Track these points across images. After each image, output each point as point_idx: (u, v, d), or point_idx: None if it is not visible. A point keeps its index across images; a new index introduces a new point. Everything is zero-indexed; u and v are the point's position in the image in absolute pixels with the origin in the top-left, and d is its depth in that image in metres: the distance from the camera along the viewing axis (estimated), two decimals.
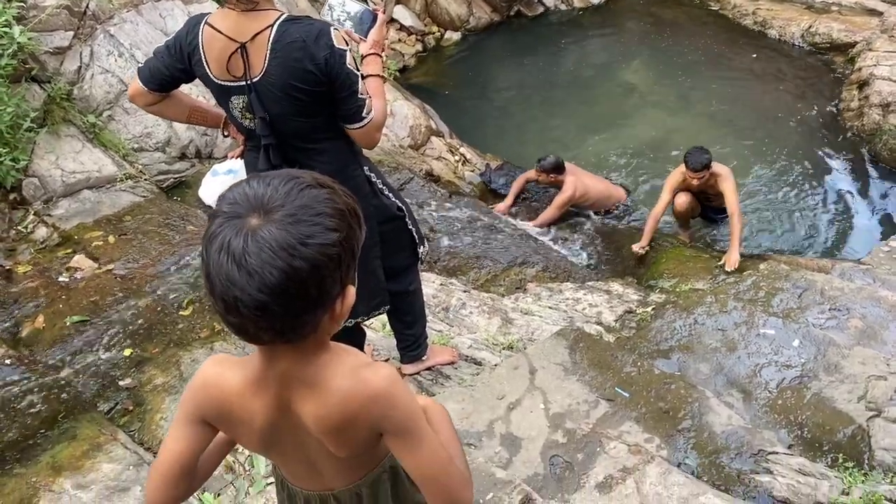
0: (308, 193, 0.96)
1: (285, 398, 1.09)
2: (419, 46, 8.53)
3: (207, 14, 2.05)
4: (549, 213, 5.61)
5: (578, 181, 5.64)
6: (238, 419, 1.12)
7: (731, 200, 4.72)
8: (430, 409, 1.26)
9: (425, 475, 1.13)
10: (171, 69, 2.11)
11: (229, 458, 1.67)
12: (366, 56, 2.23)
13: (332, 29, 1.97)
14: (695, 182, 4.85)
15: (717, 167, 4.81)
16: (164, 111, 2.29)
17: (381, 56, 2.27)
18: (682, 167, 4.87)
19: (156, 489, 1.17)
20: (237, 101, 2.06)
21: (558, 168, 5.61)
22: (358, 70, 2.01)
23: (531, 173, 5.87)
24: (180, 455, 1.15)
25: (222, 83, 2.04)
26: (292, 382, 1.08)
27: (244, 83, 2.00)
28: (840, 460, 2.58)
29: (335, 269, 0.96)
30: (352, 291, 1.03)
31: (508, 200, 5.90)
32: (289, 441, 1.15)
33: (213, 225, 0.95)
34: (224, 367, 1.14)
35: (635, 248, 5.00)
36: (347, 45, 1.99)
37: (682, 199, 5.08)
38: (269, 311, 0.93)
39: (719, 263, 4.65)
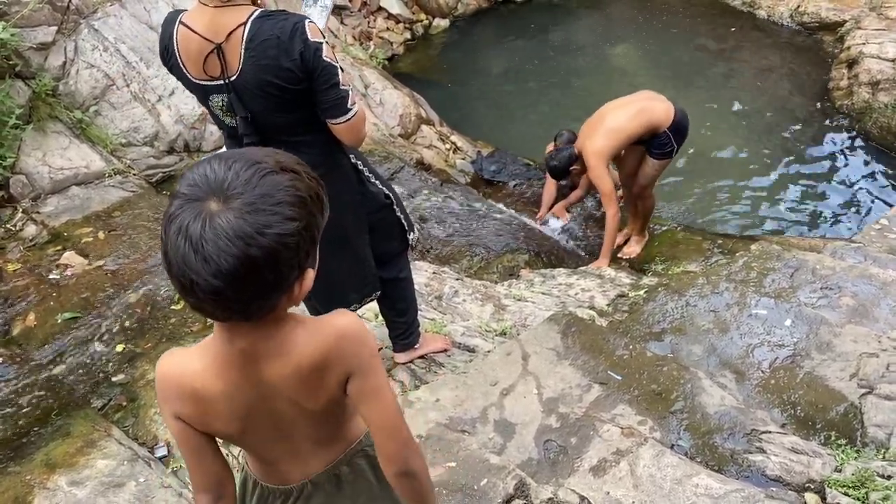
0: (269, 180, 0.96)
1: (253, 372, 1.09)
2: (407, 34, 8.47)
3: (181, 12, 2.00)
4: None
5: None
6: (206, 404, 1.12)
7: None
8: None
9: (386, 424, 1.17)
10: None
11: (223, 450, 1.64)
12: None
13: (306, 22, 1.93)
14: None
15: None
16: None
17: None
18: None
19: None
20: (217, 101, 2.03)
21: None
22: (336, 62, 1.99)
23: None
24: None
25: (200, 83, 2.01)
26: (257, 356, 1.09)
27: (222, 83, 1.98)
28: (833, 438, 2.58)
29: (292, 257, 0.98)
30: (311, 275, 1.04)
31: (543, 211, 5.45)
32: (262, 414, 1.15)
33: (173, 206, 0.95)
34: (178, 359, 1.14)
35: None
36: (324, 36, 1.97)
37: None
38: (223, 296, 0.95)
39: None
